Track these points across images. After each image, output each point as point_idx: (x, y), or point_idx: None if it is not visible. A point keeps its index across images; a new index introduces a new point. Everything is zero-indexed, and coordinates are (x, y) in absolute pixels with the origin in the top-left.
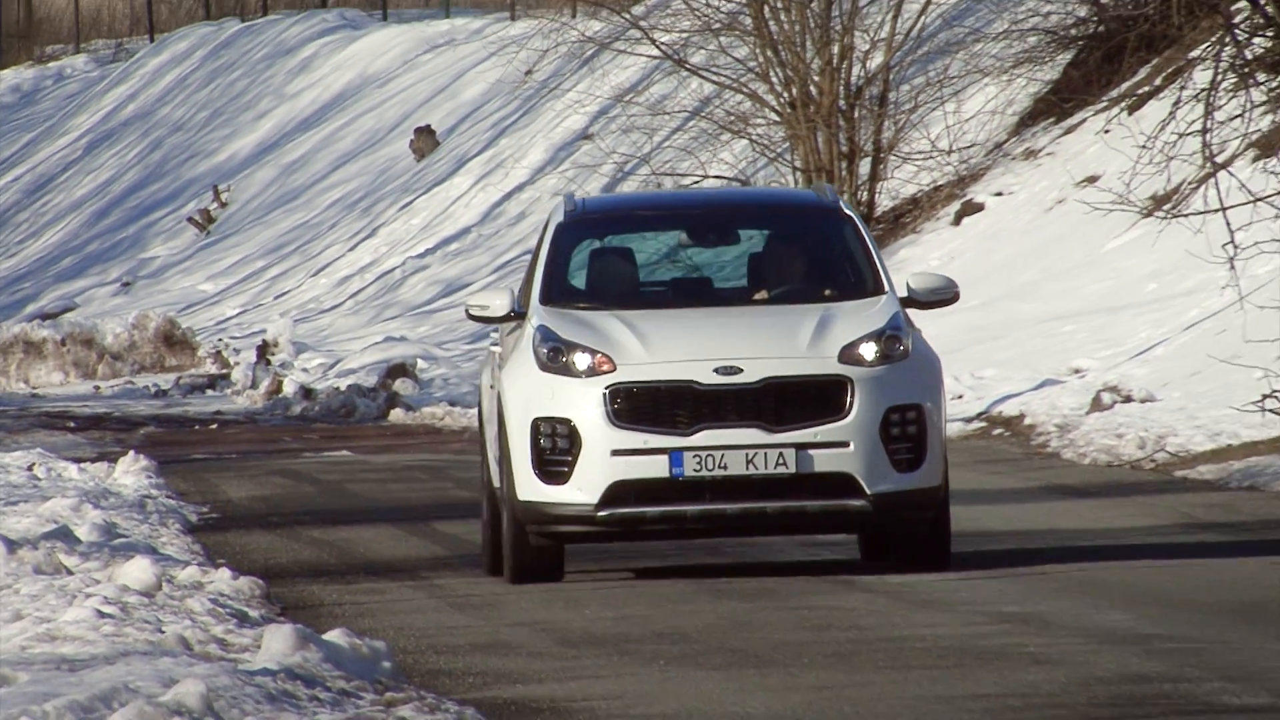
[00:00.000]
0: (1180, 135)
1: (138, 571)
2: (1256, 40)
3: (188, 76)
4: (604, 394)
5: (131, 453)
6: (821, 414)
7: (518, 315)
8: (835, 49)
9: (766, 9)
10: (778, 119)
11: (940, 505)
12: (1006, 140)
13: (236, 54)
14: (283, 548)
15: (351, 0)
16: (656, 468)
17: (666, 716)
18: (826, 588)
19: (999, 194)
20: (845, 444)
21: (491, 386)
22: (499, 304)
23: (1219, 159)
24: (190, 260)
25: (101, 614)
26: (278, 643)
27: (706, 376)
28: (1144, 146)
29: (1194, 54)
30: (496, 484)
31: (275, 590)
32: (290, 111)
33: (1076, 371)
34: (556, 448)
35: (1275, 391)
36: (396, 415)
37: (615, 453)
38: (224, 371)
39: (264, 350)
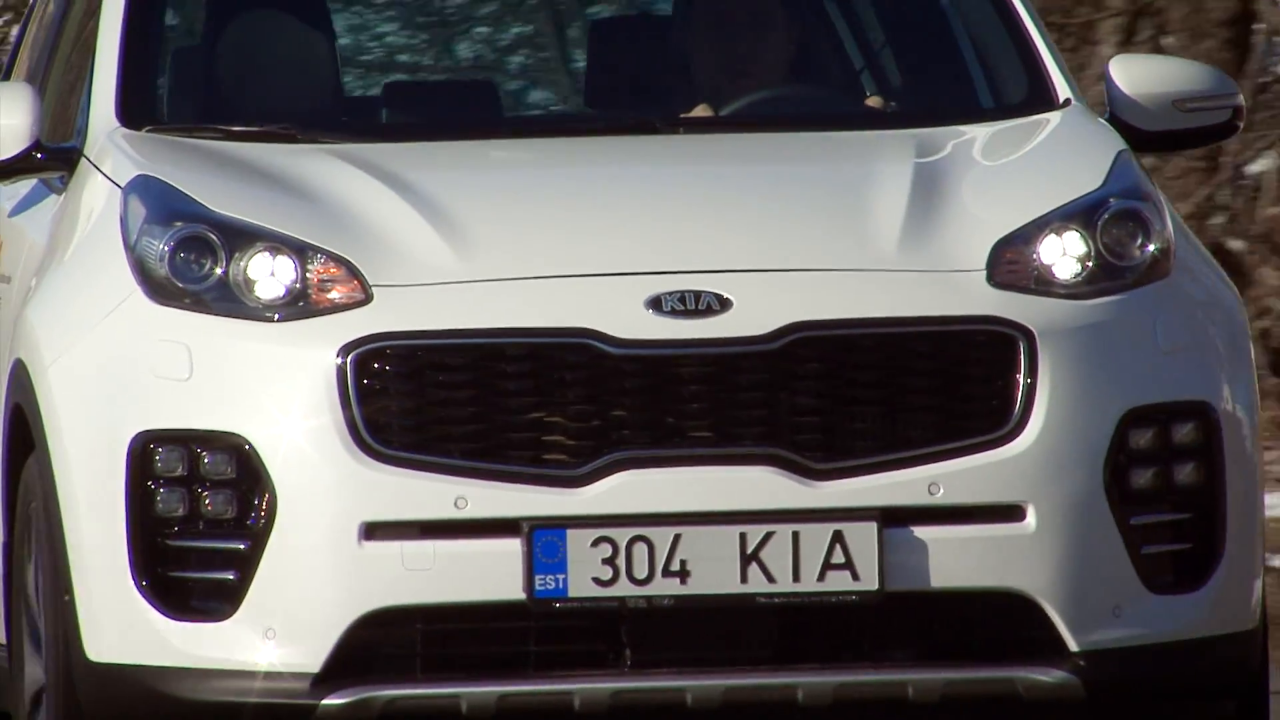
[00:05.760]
0: None
1: None
2: None
3: None
4: (337, 368)
5: None
6: (946, 428)
7: (56, 156)
8: None
9: None
10: None
11: (1255, 679)
12: None
13: None
14: None
15: None
16: (486, 577)
17: None
18: None
19: None
20: (1014, 512)
21: None
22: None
23: None
24: None
25: None
26: None
27: (628, 318)
28: None
29: None
30: None
31: None
32: None
33: None
34: (202, 516)
35: None
36: None
37: (371, 532)
38: None
39: None
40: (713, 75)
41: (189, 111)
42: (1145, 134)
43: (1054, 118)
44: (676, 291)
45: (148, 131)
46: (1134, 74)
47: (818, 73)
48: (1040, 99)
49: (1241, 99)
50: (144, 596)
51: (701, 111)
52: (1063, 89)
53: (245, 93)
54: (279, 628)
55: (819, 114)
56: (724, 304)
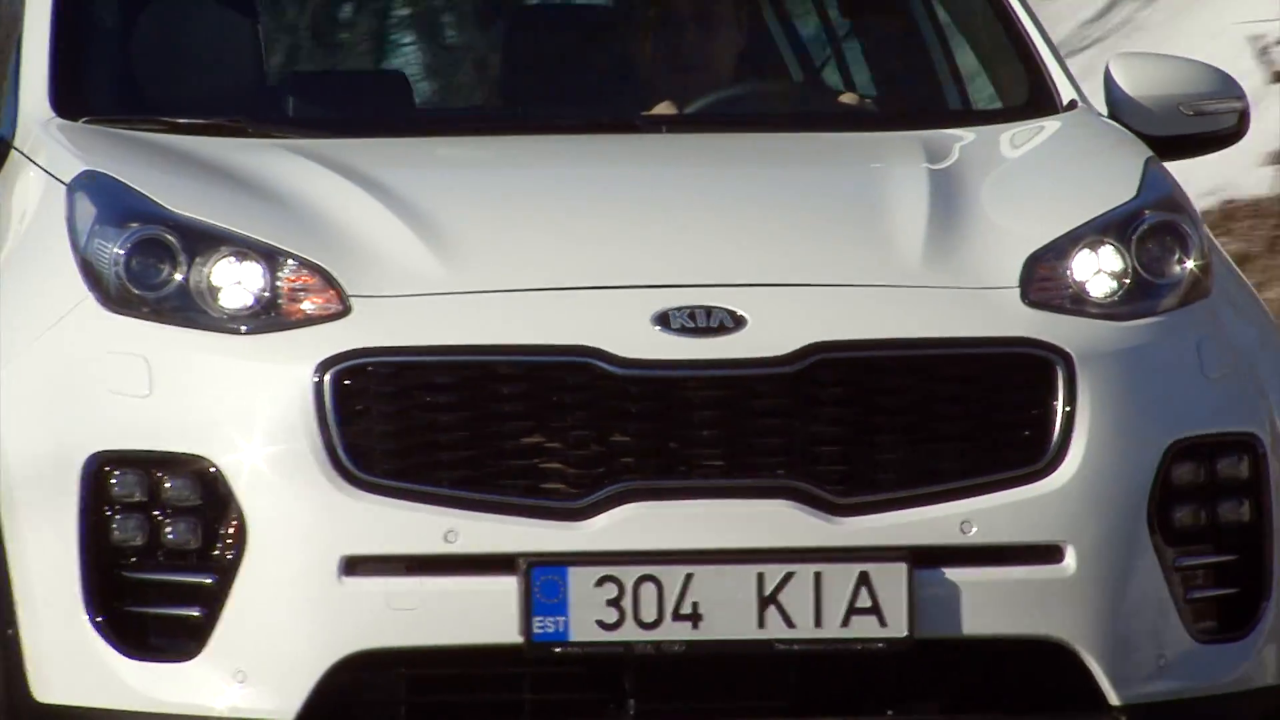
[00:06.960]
0: None
1: None
2: None
3: None
4: (314, 386)
5: None
6: (980, 461)
7: None
8: None
9: None
10: None
11: None
12: None
13: None
14: None
15: None
16: (479, 618)
17: None
18: None
19: None
20: (1052, 553)
21: None
22: None
23: None
24: None
25: None
26: None
27: (634, 335)
28: None
29: None
30: None
31: None
32: None
33: None
34: (163, 545)
35: None
36: None
37: (352, 567)
38: None
39: None
40: (659, 69)
41: (107, 99)
42: (1146, 139)
43: (1062, 120)
44: (686, 307)
45: (85, 122)
46: (1136, 74)
47: (771, 66)
48: (1042, 101)
49: (1247, 102)
50: (98, 633)
51: (665, 109)
52: (1066, 91)
53: (164, 79)
54: (249, 670)
55: (811, 113)
56: (738, 321)
